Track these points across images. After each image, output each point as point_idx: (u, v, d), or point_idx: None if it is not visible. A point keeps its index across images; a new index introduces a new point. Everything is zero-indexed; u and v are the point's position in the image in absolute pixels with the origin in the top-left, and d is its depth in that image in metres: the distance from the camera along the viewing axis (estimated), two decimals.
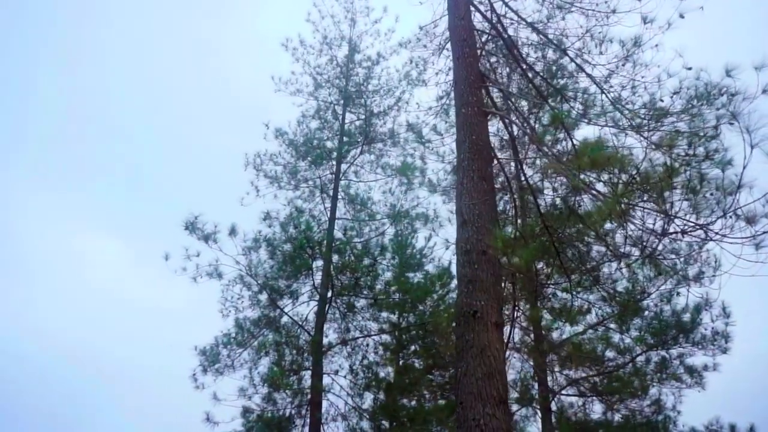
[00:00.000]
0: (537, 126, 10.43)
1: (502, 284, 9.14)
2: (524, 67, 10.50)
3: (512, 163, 10.15)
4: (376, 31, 17.67)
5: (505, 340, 8.51)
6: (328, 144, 16.64)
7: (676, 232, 6.42)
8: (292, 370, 13.91)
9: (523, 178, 9.42)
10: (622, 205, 6.02)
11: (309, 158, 16.17)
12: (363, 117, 16.98)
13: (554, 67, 12.77)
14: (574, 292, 11.90)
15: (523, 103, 11.63)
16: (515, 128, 8.99)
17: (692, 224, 6.26)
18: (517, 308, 8.50)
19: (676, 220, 7.54)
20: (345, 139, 16.58)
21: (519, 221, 8.44)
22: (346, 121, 17.14)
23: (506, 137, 10.36)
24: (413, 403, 15.77)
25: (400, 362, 16.85)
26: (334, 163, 16.44)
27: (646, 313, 13.25)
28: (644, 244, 10.48)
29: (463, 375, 5.92)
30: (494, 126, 12.60)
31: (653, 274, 11.30)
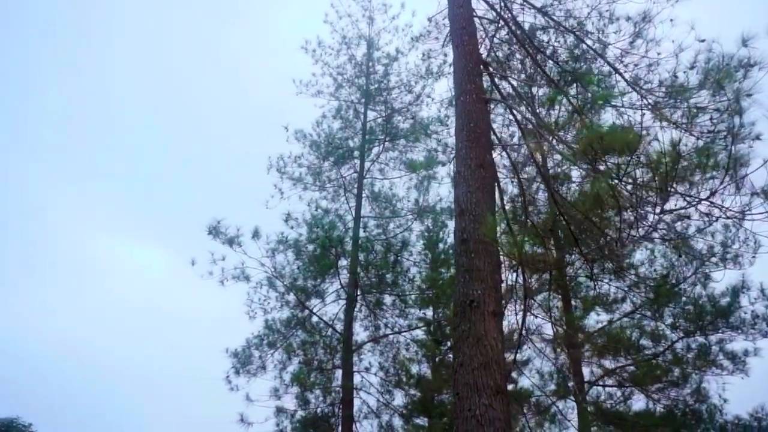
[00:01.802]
0: (549, 112, 10.20)
1: (516, 274, 8.98)
2: (532, 52, 10.28)
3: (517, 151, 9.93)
4: (395, 28, 17.62)
5: (519, 331, 8.34)
6: (351, 143, 16.68)
7: (678, 209, 6.16)
8: (320, 368, 13.99)
9: (533, 167, 9.22)
10: (613, 185, 5.80)
11: (332, 158, 16.24)
12: (385, 114, 16.95)
13: (576, 51, 12.47)
14: (600, 280, 11.59)
15: (538, 90, 11.41)
16: (520, 116, 8.79)
17: (696, 199, 6.00)
18: (530, 299, 8.31)
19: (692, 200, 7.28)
20: (367, 137, 16.59)
21: (526, 209, 8.25)
22: (369, 118, 17.14)
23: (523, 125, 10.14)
24: (450, 398, 15.66)
25: (437, 358, 16.77)
26: (357, 161, 16.46)
27: (683, 298, 12.81)
28: (667, 227, 10.14)
29: (459, 366, 5.82)
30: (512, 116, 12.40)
31: (675, 256, 10.88)
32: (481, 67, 8.63)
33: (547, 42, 11.65)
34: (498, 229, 8.50)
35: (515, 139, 12.11)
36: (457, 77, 8.12)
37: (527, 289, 7.54)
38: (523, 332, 8.04)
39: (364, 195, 16.18)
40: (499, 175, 10.76)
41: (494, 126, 11.26)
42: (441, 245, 17.31)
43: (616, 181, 6.43)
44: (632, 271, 11.46)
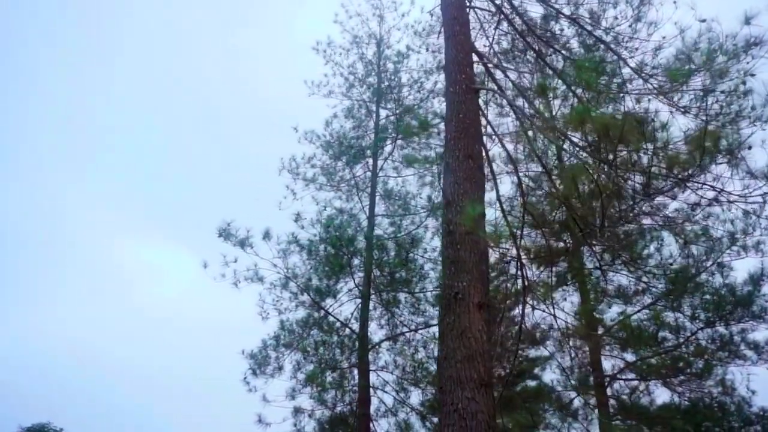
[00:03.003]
0: (547, 102, 10.01)
1: (521, 267, 8.82)
2: (533, 42, 10.12)
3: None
4: (405, 25, 17.52)
5: (519, 325, 8.21)
6: (363, 142, 16.67)
7: (665, 191, 5.98)
8: (335, 368, 14.00)
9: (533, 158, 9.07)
10: (591, 165, 5.66)
11: (344, 158, 16.26)
12: (397, 112, 16.89)
13: (589, 41, 12.23)
14: (613, 272, 11.34)
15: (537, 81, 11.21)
16: (516, 107, 8.64)
17: (678, 179, 5.83)
18: (533, 292, 8.17)
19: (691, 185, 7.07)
20: (380, 135, 16.56)
21: (524, 201, 8.10)
22: (381, 116, 17.11)
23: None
24: None
25: None
26: (370, 160, 16.44)
27: (703, 288, 12.44)
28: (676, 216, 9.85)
29: (443, 359, 5.75)
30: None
31: (690, 246, 10.59)
32: (475, 57, 8.53)
33: (550, 32, 11.46)
34: (494, 220, 8.39)
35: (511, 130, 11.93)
36: (448, 68, 8.04)
37: (525, 280, 7.41)
38: (524, 326, 7.89)
39: (377, 193, 16.15)
40: (500, 168, 10.62)
41: (500, 121, 11.10)
42: None
43: (607, 166, 6.29)
44: (645, 261, 11.15)
